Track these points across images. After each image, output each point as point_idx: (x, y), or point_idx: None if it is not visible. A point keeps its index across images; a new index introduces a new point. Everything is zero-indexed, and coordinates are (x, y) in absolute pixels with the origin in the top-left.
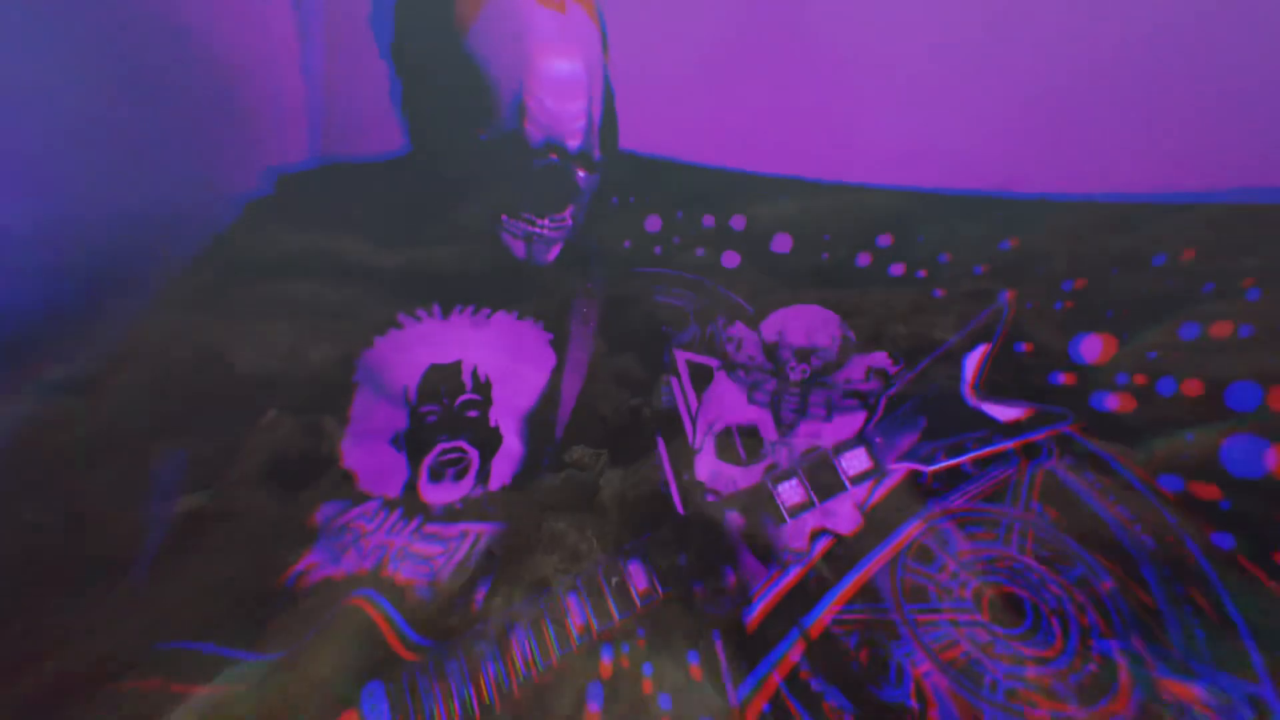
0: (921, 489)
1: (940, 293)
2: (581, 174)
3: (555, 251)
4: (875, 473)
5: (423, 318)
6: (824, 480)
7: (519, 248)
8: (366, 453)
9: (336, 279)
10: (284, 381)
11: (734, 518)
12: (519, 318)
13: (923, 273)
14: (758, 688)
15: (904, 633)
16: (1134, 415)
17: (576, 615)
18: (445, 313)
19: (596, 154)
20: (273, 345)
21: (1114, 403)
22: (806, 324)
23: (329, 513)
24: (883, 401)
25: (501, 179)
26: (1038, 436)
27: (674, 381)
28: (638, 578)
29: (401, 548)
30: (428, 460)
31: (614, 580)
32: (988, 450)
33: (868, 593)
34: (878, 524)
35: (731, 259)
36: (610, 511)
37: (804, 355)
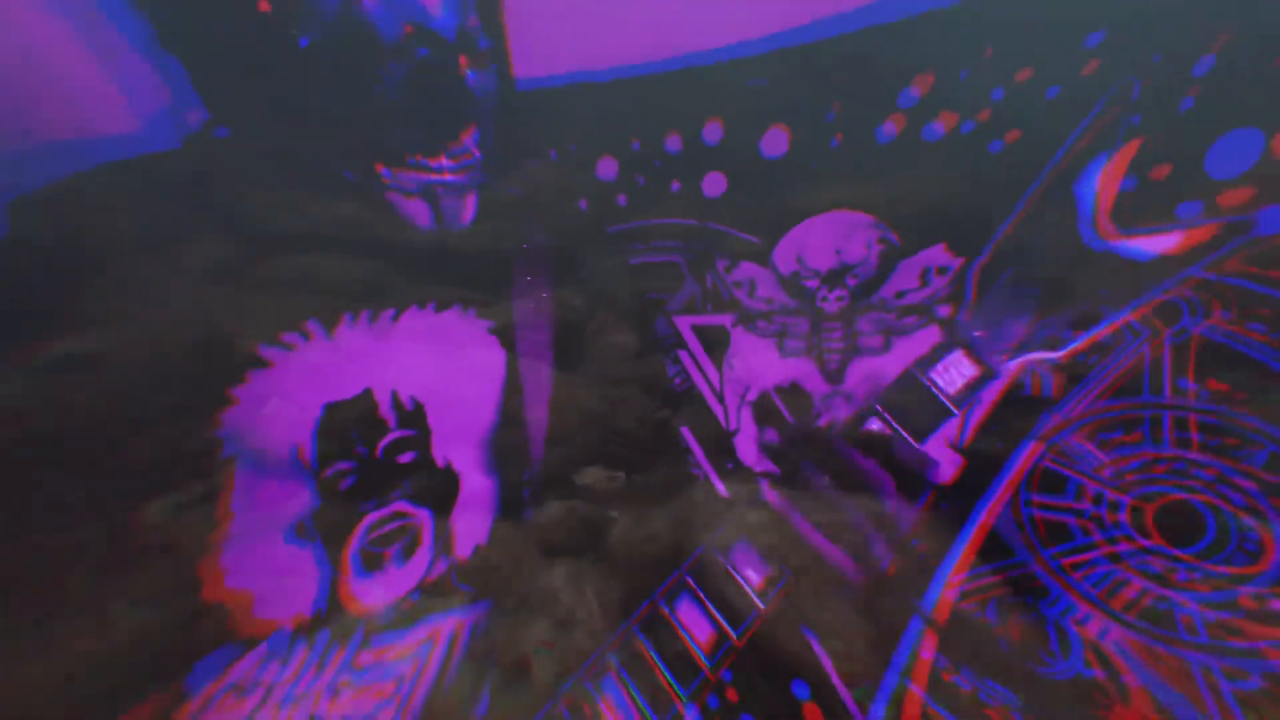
0: (1027, 401)
1: (1000, 144)
2: (469, 72)
3: (472, 206)
4: (983, 380)
5: (298, 343)
6: (913, 413)
7: (420, 211)
8: (256, 560)
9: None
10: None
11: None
12: (438, 310)
13: (973, 121)
14: (893, 707)
15: (1053, 586)
16: None
17: None
18: (329, 329)
19: (481, 36)
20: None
21: None
22: (831, 237)
23: (207, 676)
24: (973, 277)
25: (355, 108)
26: (1172, 290)
27: (683, 356)
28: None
29: (334, 695)
30: (353, 545)
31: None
32: (1131, 312)
33: (992, 548)
34: (980, 460)
35: (715, 184)
36: (618, 557)
37: (836, 278)
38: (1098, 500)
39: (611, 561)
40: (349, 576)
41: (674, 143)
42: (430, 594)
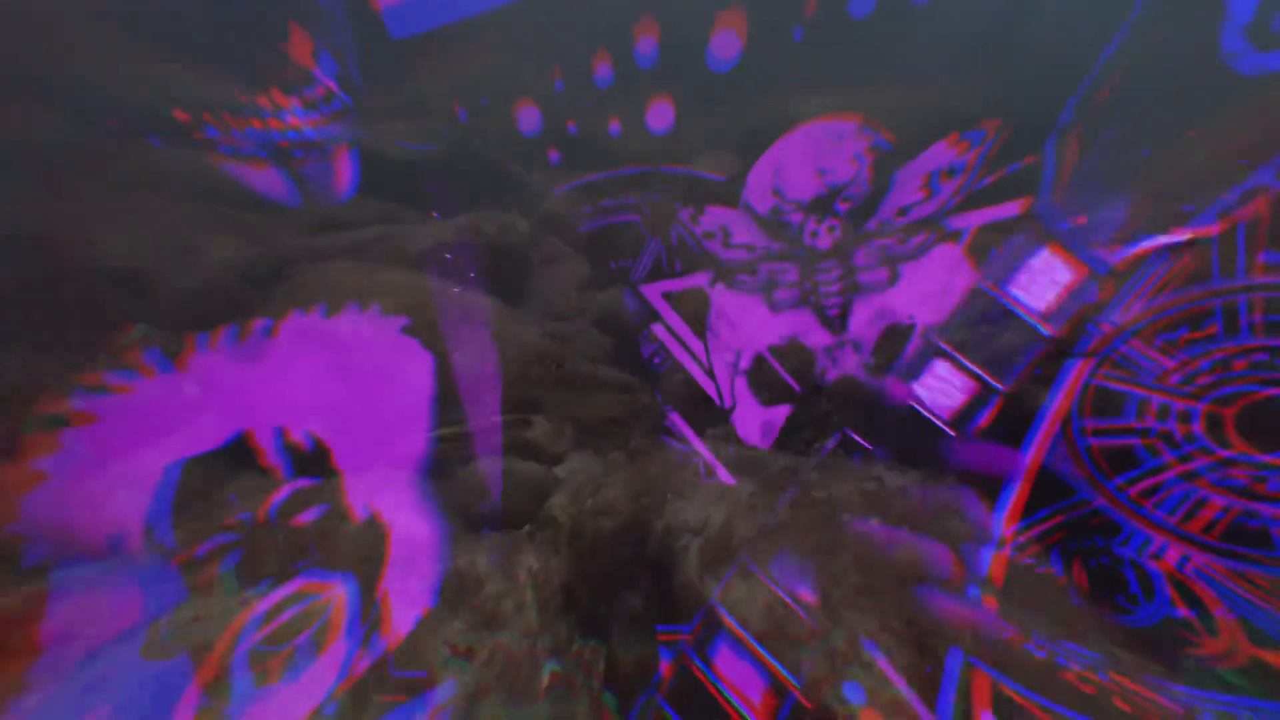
0: (1066, 315)
1: None
2: None
3: (349, 170)
4: (1088, 284)
5: (130, 383)
6: (995, 338)
7: (278, 184)
8: (91, 704)
9: None
10: None
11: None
12: (328, 314)
13: None
14: (963, 695)
15: (1124, 521)
16: None
17: None
18: (173, 356)
19: None
20: None
21: None
22: (810, 157)
23: None
24: (1053, 151)
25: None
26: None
27: (658, 331)
28: None
29: None
30: (240, 644)
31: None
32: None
33: (1048, 487)
34: (1019, 392)
35: (662, 115)
36: (563, 531)
37: (824, 206)
38: (1164, 414)
39: (553, 530)
40: (226, 702)
41: (603, 71)
42: (356, 698)
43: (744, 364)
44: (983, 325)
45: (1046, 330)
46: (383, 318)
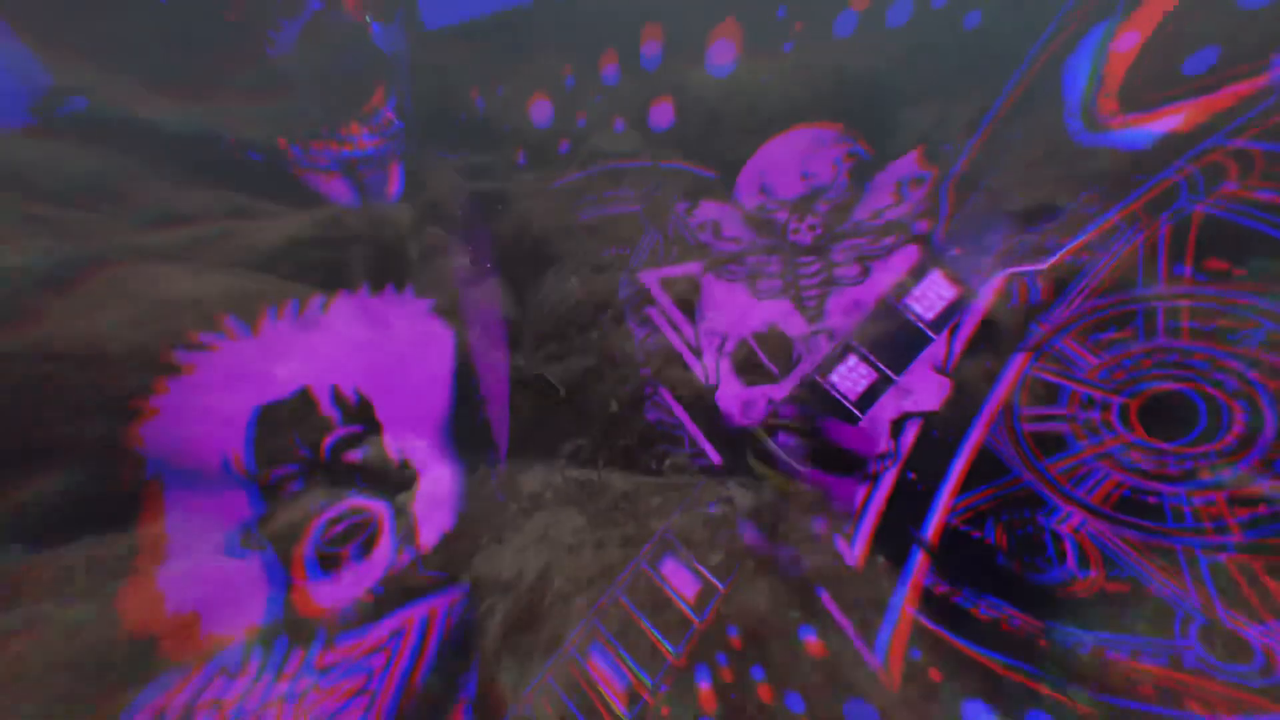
0: (1011, 312)
1: (977, 16)
2: (373, 24)
3: (398, 177)
4: (964, 301)
5: (217, 342)
6: (893, 341)
7: (343, 190)
8: (199, 579)
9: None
10: None
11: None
12: (372, 293)
13: None
14: (894, 632)
15: (1048, 497)
16: None
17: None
18: (251, 324)
19: None
20: None
21: None
22: (795, 158)
23: (148, 704)
24: (948, 191)
25: (245, 74)
26: (1177, 173)
27: (652, 313)
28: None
29: (296, 705)
30: (306, 548)
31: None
32: (1122, 210)
33: (986, 468)
34: (969, 381)
35: (663, 114)
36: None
37: (804, 206)
38: (1088, 405)
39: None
40: (304, 580)
41: (610, 71)
42: (397, 586)
43: (729, 345)
44: (887, 328)
45: (931, 334)
46: (413, 299)
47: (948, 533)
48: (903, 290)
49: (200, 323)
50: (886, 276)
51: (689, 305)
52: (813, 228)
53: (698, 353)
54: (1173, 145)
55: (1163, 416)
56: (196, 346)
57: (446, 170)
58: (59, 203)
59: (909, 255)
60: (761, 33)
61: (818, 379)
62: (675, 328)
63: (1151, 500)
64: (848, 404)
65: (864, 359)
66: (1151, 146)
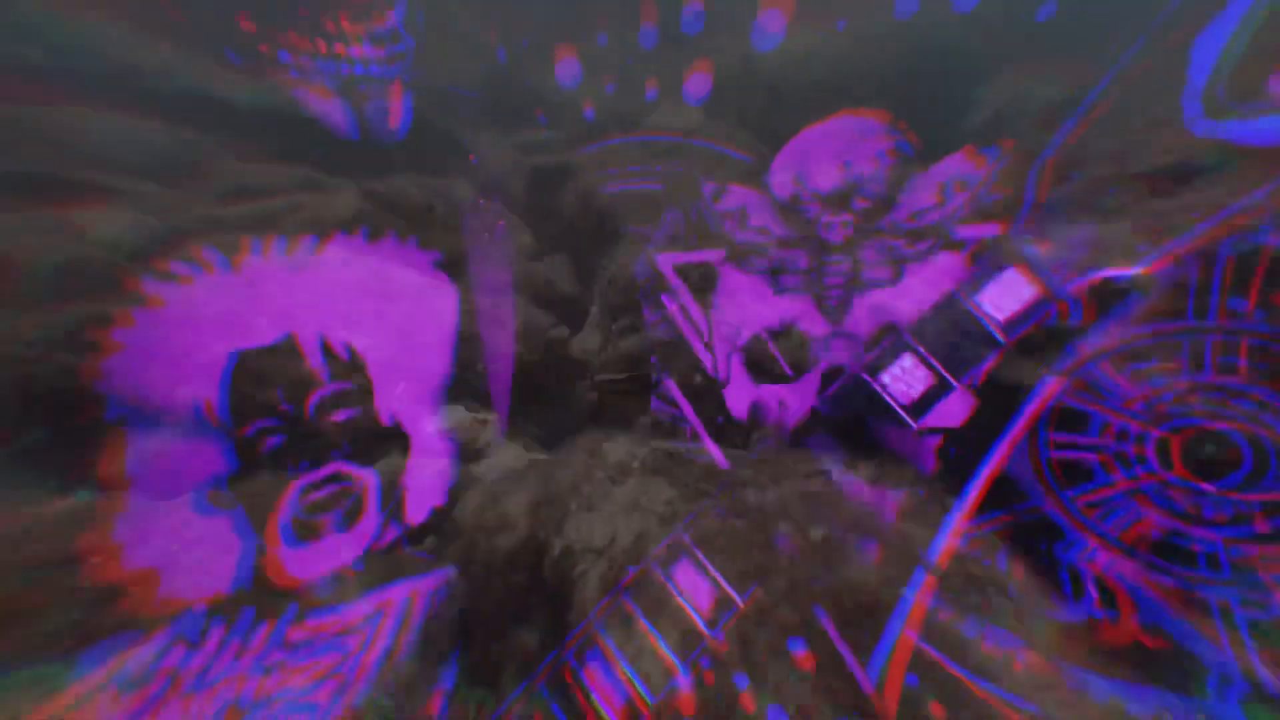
0: (1051, 332)
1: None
2: None
3: (404, 108)
4: (1043, 303)
5: (193, 274)
6: (957, 342)
7: (340, 113)
8: (160, 533)
9: None
10: None
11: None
12: (370, 238)
13: None
14: (891, 657)
15: (1067, 528)
16: None
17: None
18: (230, 256)
19: None
20: None
21: None
22: (836, 148)
23: (96, 665)
24: (1035, 176)
25: None
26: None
27: (666, 300)
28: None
29: (260, 681)
30: (283, 511)
31: None
32: (1222, 220)
33: (1004, 491)
34: (993, 398)
35: (700, 85)
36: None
37: (840, 201)
38: (1122, 436)
39: None
40: (278, 547)
41: (648, 32)
42: (379, 563)
43: (742, 339)
44: (951, 328)
45: (1002, 338)
46: (418, 250)
47: (959, 557)
48: (974, 286)
49: None
50: (919, 289)
51: (705, 294)
52: (845, 224)
53: (708, 345)
54: None
55: (1205, 457)
56: (166, 276)
57: (502, 145)
58: (141, 177)
59: (938, 274)
60: (816, 4)
61: (866, 378)
62: (688, 316)
63: (1187, 545)
64: (899, 409)
65: (922, 360)
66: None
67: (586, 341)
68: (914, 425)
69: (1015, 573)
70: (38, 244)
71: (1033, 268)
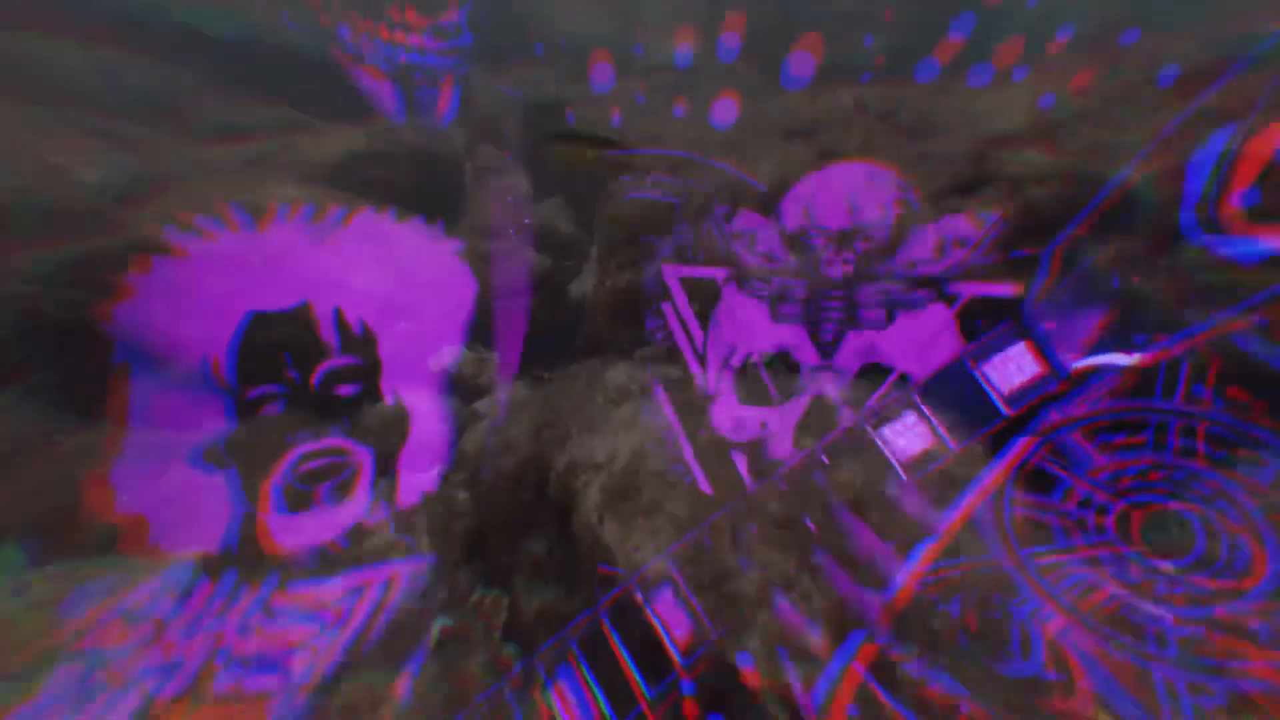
0: (1028, 395)
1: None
2: None
3: (452, 102)
4: (1048, 380)
5: (217, 230)
6: (960, 407)
7: (388, 96)
8: (153, 483)
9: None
10: None
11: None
12: (398, 218)
13: (1027, 66)
14: (836, 684)
15: (1023, 585)
16: None
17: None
18: (258, 219)
19: None
20: None
21: None
22: (846, 191)
23: (80, 605)
24: (1047, 261)
25: None
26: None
27: (667, 309)
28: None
29: (236, 642)
30: (276, 477)
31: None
32: (1234, 317)
33: (966, 542)
34: (965, 450)
35: (726, 110)
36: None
37: (845, 240)
38: (1085, 503)
39: None
40: (268, 513)
41: (683, 51)
42: (364, 542)
43: (736, 359)
44: (957, 393)
45: (1005, 410)
46: (443, 238)
47: (915, 599)
48: (982, 355)
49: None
50: (907, 333)
51: (704, 309)
52: (847, 263)
53: (701, 359)
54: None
55: (1163, 534)
56: (190, 229)
57: (497, 89)
58: (120, 116)
59: (929, 321)
60: (843, 55)
61: (868, 429)
62: (685, 330)
63: (1138, 620)
64: (895, 463)
65: (924, 419)
66: (1262, 264)
67: (586, 283)
68: (909, 481)
69: (968, 621)
70: (20, 185)
71: (1039, 345)
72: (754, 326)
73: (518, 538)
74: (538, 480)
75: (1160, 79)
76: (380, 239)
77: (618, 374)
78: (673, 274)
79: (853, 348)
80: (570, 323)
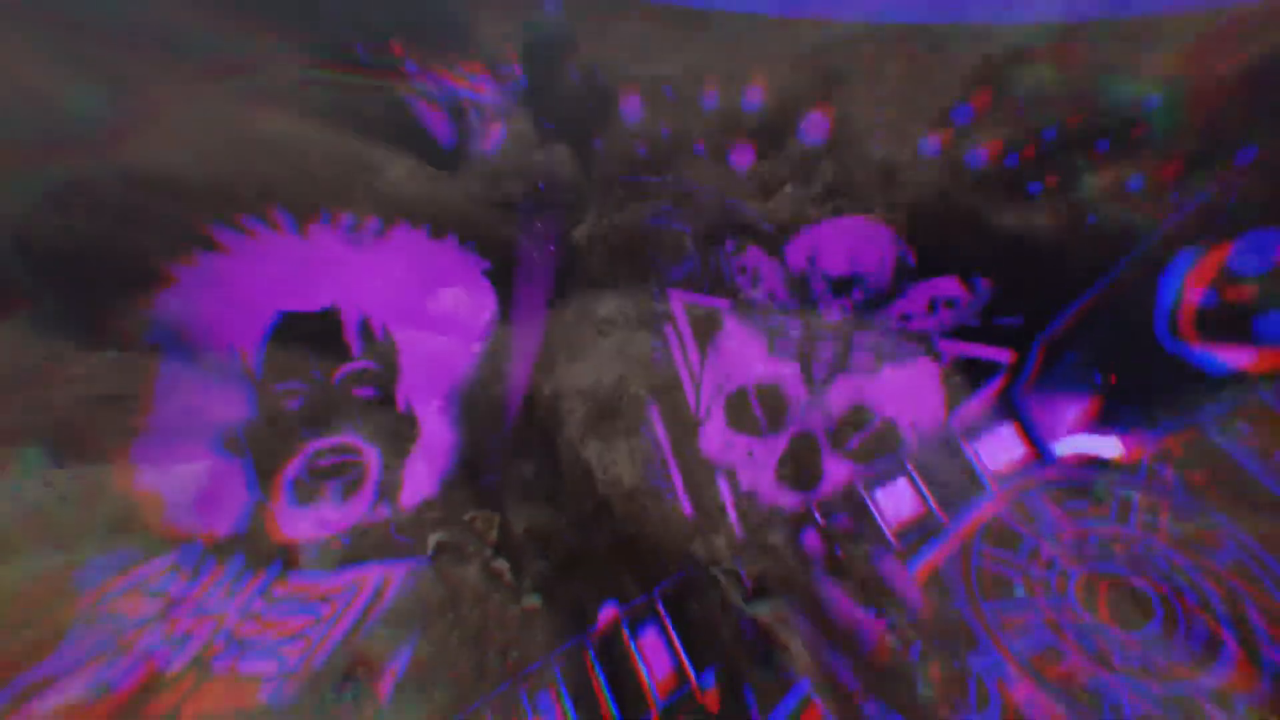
0: (1009, 484)
1: (1040, 185)
2: None
3: (499, 133)
4: (1031, 465)
5: (262, 231)
6: (952, 478)
7: (440, 124)
8: (174, 464)
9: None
10: None
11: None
12: (432, 235)
13: (1017, 155)
14: (794, 716)
15: (984, 639)
16: None
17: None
18: (300, 224)
19: None
20: None
21: None
22: (849, 243)
23: (99, 575)
24: (1037, 350)
25: None
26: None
27: (668, 331)
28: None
29: (236, 625)
30: (290, 470)
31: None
32: (1184, 425)
33: (932, 587)
34: (942, 498)
35: (743, 156)
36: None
37: (844, 287)
38: (1049, 566)
39: None
40: (278, 503)
41: (711, 98)
42: (364, 540)
43: (729, 387)
44: (946, 465)
45: (991, 488)
46: (474, 257)
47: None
48: (974, 431)
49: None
50: (894, 382)
51: (705, 336)
52: (843, 309)
53: (696, 383)
54: (1243, 382)
55: (1123, 604)
56: (236, 227)
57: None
58: (110, 45)
59: (916, 373)
60: (856, 115)
61: (860, 490)
62: (684, 353)
63: (1094, 687)
64: (883, 526)
65: (915, 487)
66: (1228, 376)
67: (588, 228)
68: (896, 545)
69: (930, 671)
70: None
71: (1028, 430)
72: (749, 357)
73: (507, 461)
74: (526, 406)
75: None
76: (416, 253)
77: (607, 304)
78: (678, 298)
79: (842, 391)
80: (569, 266)
